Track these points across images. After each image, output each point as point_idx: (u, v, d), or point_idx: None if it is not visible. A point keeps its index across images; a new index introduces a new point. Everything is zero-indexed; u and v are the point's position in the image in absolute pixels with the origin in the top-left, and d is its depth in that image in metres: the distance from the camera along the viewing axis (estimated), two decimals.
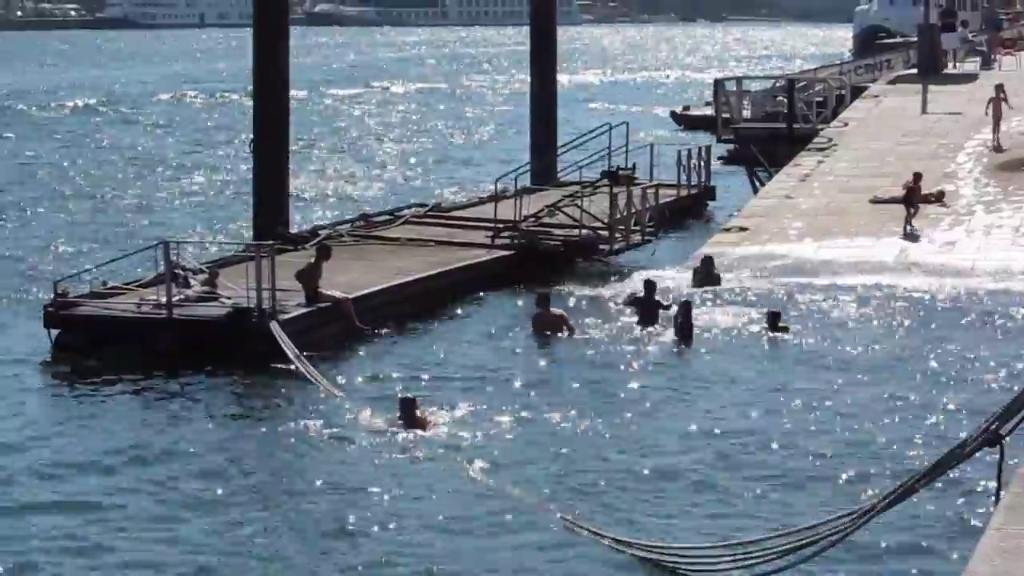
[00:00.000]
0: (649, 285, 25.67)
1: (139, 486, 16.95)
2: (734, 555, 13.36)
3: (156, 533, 15.44)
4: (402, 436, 18.33)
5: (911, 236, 31.24)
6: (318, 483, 16.94)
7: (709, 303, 26.10)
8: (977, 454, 10.95)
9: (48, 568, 14.53)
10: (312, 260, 24.68)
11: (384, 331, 24.44)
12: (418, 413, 18.69)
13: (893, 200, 33.75)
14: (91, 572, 14.51)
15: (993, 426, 10.32)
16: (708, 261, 28.46)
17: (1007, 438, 10.35)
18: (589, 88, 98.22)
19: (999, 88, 39.49)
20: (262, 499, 16.47)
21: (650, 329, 24.41)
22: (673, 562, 14.01)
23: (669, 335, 23.92)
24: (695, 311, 24.43)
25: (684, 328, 23.80)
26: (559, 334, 24.11)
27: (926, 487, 11.82)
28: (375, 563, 14.53)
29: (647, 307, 25.21)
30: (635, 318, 25.06)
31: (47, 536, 15.37)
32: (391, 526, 15.43)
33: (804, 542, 12.72)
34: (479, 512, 15.85)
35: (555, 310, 24.59)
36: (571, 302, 26.78)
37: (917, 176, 32.90)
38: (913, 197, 32.18)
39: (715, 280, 27.81)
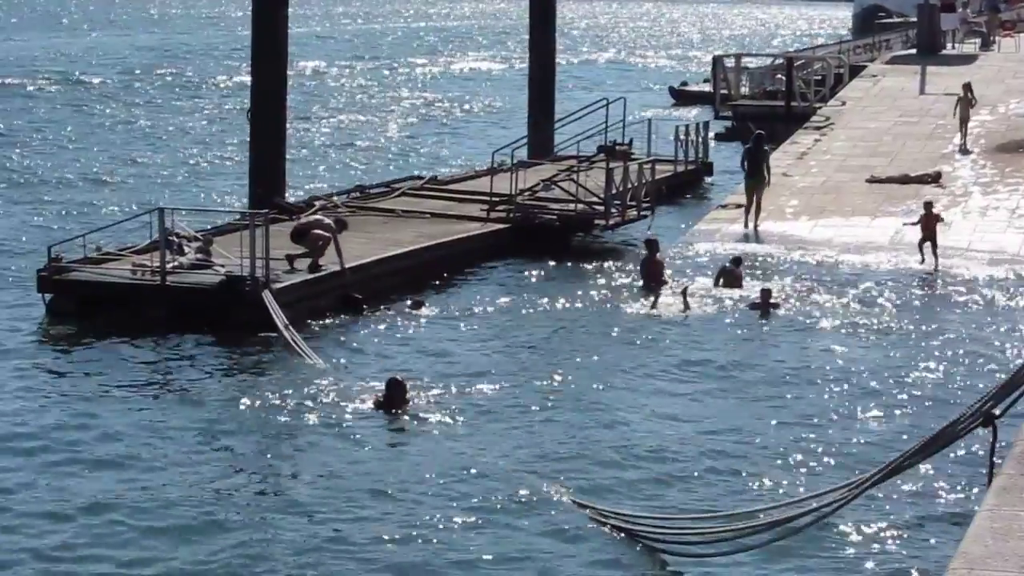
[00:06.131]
0: (650, 244, 26.04)
1: (124, 450, 16.91)
2: (725, 528, 13.36)
3: (140, 497, 15.39)
4: (384, 415, 18.19)
5: (936, 271, 27.54)
6: (296, 458, 16.86)
7: (704, 276, 26.16)
8: (970, 433, 10.95)
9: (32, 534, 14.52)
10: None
11: (379, 305, 24.40)
12: (407, 396, 18.39)
13: (890, 180, 33.72)
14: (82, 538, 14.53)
15: (987, 406, 10.31)
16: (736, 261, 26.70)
17: (1000, 418, 10.34)
18: (588, 63, 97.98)
19: (967, 87, 38.84)
20: (244, 472, 16.35)
21: (644, 300, 24.52)
22: (659, 533, 13.99)
23: (664, 307, 24.02)
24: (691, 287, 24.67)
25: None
26: None
27: (919, 464, 11.80)
28: (342, 539, 14.40)
29: (652, 265, 25.73)
30: (637, 287, 25.47)
31: (38, 501, 15.34)
32: (369, 506, 15.24)
33: (795, 515, 12.71)
34: (463, 493, 15.60)
35: (425, 309, 24.18)
36: (567, 275, 26.82)
37: (928, 204, 28.88)
38: (931, 225, 28.22)
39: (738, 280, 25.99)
